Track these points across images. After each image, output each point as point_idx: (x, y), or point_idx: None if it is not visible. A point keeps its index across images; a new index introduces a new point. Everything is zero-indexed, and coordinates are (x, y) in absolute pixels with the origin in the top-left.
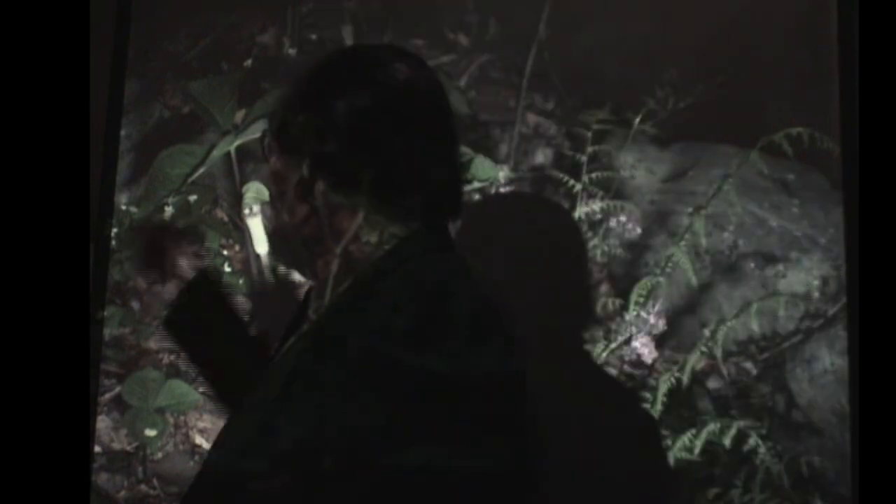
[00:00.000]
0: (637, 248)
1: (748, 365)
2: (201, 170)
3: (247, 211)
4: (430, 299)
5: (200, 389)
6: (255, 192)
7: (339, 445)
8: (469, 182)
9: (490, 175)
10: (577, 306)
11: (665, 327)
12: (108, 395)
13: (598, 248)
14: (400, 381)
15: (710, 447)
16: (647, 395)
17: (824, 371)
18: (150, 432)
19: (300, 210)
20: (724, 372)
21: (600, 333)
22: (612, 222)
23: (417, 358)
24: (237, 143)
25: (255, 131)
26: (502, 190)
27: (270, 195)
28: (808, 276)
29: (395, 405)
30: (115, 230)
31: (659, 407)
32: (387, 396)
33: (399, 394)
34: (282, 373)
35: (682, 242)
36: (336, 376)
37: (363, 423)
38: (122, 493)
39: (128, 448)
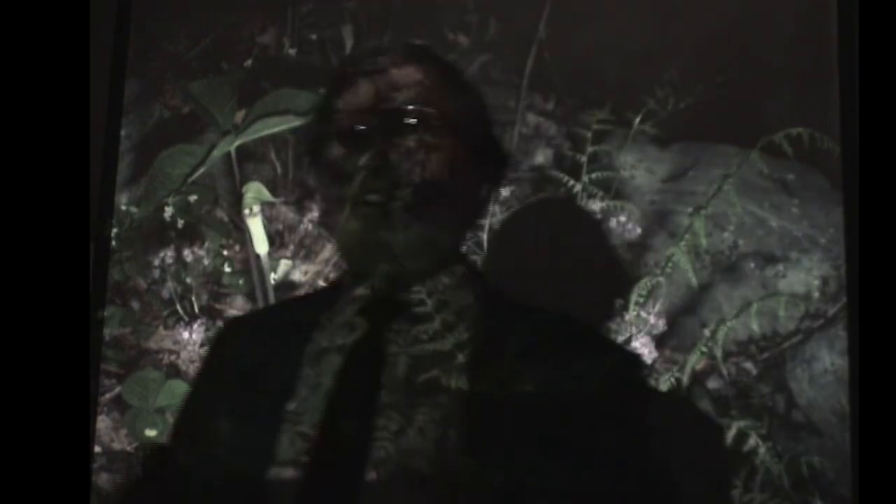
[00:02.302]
0: (637, 248)
1: (748, 365)
2: (201, 170)
3: (247, 211)
4: None
5: None
6: (255, 192)
7: None
8: None
9: None
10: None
11: (665, 327)
12: (108, 395)
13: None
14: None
15: None
16: None
17: (824, 371)
18: (150, 432)
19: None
20: (724, 372)
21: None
22: (612, 222)
23: None
24: (237, 143)
25: (255, 131)
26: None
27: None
28: (808, 276)
29: None
30: (115, 230)
31: None
32: None
33: None
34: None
35: (682, 242)
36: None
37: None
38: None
39: (128, 448)
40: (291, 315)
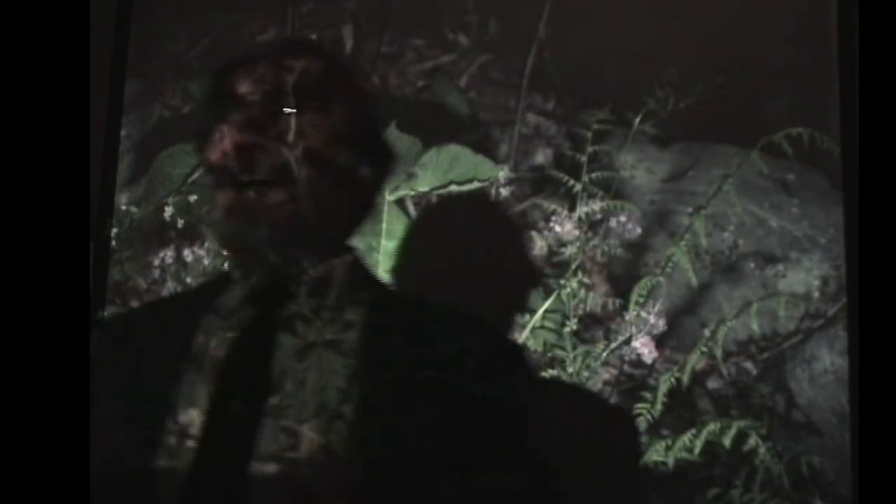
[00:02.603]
0: (637, 248)
1: (748, 365)
2: (201, 170)
3: None
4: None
5: None
6: None
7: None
8: (469, 182)
9: (490, 175)
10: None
11: (665, 327)
12: None
13: (598, 248)
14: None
15: (710, 447)
16: (647, 394)
17: (824, 371)
18: None
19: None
20: (724, 372)
21: (600, 333)
22: (612, 222)
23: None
24: None
25: None
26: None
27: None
28: (808, 276)
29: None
30: (115, 230)
31: (659, 407)
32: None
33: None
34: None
35: (682, 242)
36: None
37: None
38: None
39: None
40: (179, 305)
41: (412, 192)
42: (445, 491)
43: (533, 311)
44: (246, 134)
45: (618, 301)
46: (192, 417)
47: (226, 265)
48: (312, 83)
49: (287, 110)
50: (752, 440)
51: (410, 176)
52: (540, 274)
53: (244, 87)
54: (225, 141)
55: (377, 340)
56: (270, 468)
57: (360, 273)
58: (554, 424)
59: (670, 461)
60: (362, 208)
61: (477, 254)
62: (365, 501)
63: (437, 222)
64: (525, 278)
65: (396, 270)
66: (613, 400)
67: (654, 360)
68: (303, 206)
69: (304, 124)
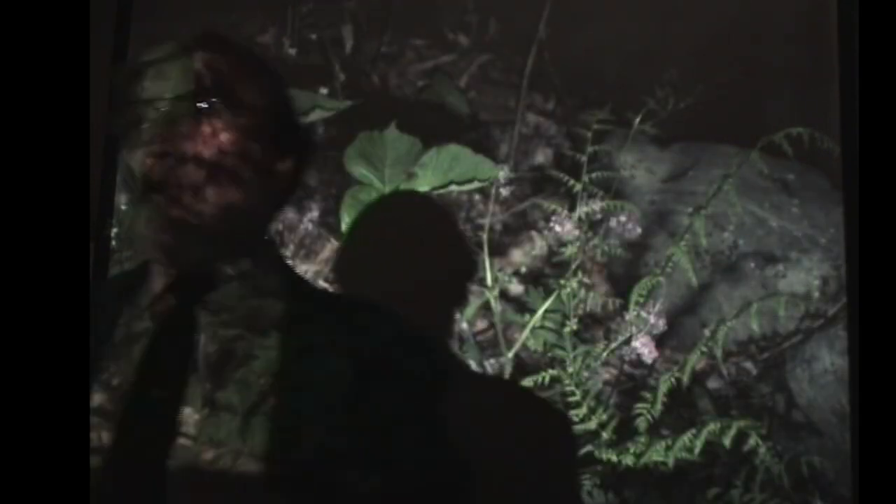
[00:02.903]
0: (637, 248)
1: (748, 365)
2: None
3: None
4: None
5: None
6: None
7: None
8: (469, 182)
9: (490, 175)
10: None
11: (665, 327)
12: None
13: (598, 248)
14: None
15: (710, 447)
16: (647, 395)
17: (824, 371)
18: None
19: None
20: (724, 372)
21: (600, 333)
22: (612, 222)
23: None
24: None
25: None
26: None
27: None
28: (808, 276)
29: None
30: (115, 230)
31: (659, 407)
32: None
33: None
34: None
35: (682, 242)
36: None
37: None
38: None
39: None
40: (101, 296)
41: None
42: (351, 483)
43: (533, 311)
44: (158, 138)
45: (618, 301)
46: (101, 401)
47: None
48: (220, 79)
49: (199, 106)
50: (752, 440)
51: (410, 176)
52: (475, 269)
53: (154, 89)
54: (138, 147)
55: (290, 330)
56: (187, 455)
57: (275, 265)
58: (467, 416)
59: (670, 461)
60: (281, 200)
61: (415, 250)
62: (278, 490)
63: (382, 221)
64: (460, 275)
65: (338, 268)
66: (613, 400)
67: (654, 360)
68: (215, 208)
69: (215, 122)
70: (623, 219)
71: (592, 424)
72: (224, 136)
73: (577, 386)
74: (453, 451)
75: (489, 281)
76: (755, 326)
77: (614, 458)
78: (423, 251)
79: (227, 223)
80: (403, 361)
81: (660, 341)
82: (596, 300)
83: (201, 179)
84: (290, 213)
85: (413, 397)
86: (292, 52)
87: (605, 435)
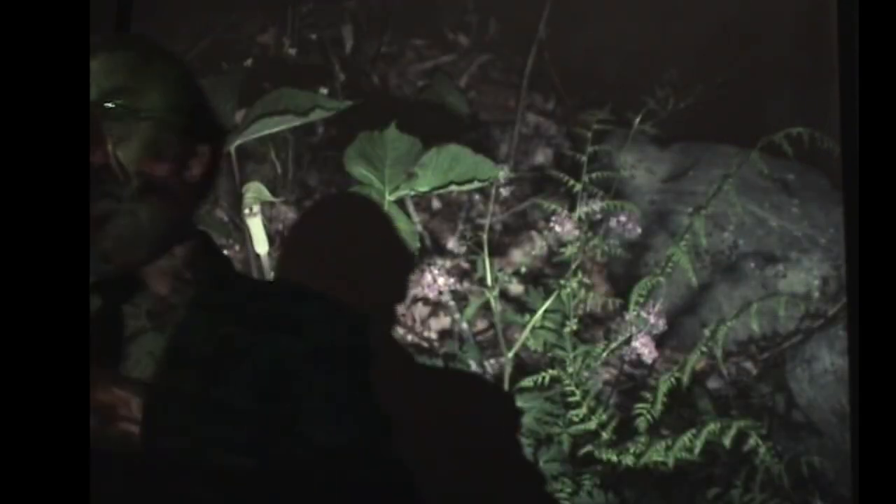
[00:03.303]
0: (637, 248)
1: (748, 365)
2: None
3: (247, 211)
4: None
5: None
6: (255, 192)
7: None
8: (469, 182)
9: (490, 175)
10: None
11: (665, 327)
12: None
13: (598, 248)
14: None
15: (710, 447)
16: (648, 394)
17: (824, 371)
18: None
19: None
20: (724, 372)
21: (600, 333)
22: (612, 222)
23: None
24: (237, 142)
25: (255, 131)
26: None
27: None
28: (808, 276)
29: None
30: None
31: (659, 407)
32: None
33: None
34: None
35: (682, 242)
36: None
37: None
38: None
39: None
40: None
41: (412, 193)
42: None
43: (533, 311)
44: (92, 145)
45: (618, 301)
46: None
47: None
48: (120, 78)
49: (107, 106)
50: (752, 440)
51: (410, 176)
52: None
53: (92, 94)
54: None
55: (219, 319)
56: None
57: (207, 255)
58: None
59: (670, 461)
60: (202, 188)
61: (355, 247)
62: (212, 474)
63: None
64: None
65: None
66: (613, 400)
67: (654, 360)
68: (135, 206)
69: (122, 121)
70: (623, 219)
71: (592, 424)
72: (133, 137)
73: (577, 386)
74: (376, 409)
75: (489, 281)
76: (755, 326)
77: (614, 458)
78: (359, 250)
79: (151, 220)
80: (334, 339)
81: (660, 341)
82: (596, 300)
83: (116, 184)
84: (290, 214)
85: (337, 369)
86: (292, 52)
87: (605, 435)
